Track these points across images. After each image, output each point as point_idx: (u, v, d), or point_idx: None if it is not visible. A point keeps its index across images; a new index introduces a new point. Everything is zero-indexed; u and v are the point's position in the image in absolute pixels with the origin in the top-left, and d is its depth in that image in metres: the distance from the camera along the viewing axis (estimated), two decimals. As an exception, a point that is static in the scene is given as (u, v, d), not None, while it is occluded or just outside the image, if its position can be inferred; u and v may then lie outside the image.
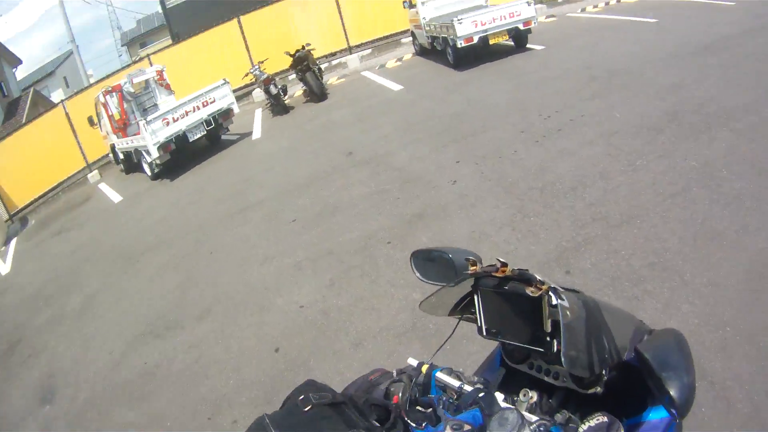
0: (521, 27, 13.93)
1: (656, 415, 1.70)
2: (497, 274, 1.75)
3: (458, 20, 13.13)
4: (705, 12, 16.37)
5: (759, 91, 9.11)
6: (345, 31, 20.43)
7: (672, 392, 1.60)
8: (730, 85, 9.56)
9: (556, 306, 1.62)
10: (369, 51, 20.18)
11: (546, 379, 1.86)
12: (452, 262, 2.07)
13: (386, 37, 20.69)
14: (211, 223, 9.65)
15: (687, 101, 9.08)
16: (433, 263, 2.19)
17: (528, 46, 14.64)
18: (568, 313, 1.59)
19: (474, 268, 1.82)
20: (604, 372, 1.71)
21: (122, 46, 56.59)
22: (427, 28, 15.40)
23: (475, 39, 13.40)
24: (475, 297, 1.86)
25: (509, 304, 1.78)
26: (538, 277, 1.67)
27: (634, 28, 15.14)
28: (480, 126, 9.65)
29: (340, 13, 20.24)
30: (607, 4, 19.92)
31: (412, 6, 16.28)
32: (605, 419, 1.59)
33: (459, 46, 13.34)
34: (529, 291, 1.63)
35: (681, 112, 8.67)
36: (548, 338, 1.68)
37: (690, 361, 1.75)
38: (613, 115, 9.06)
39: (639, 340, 1.83)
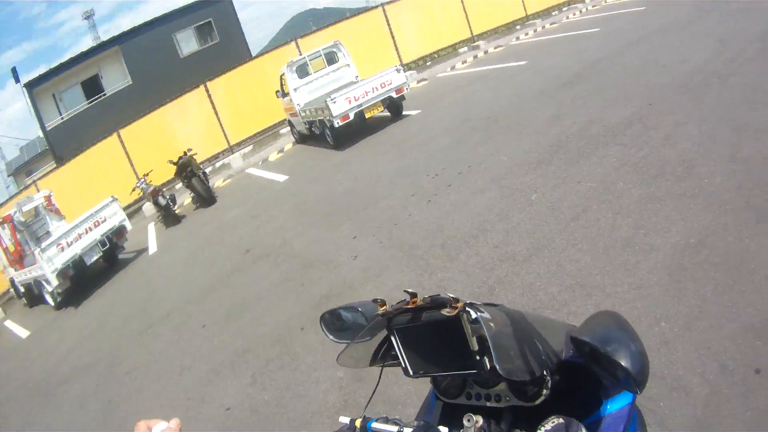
0: (394, 95, 14.01)
1: (614, 406, 1.69)
2: (409, 307, 1.59)
3: (332, 100, 13.02)
4: (572, 44, 17.10)
5: (636, 102, 9.31)
6: (224, 131, 20.47)
7: (624, 363, 1.49)
8: (608, 104, 9.79)
9: (477, 321, 1.49)
10: (250, 147, 19.99)
11: (488, 404, 1.76)
12: (362, 314, 1.98)
13: (264, 131, 20.78)
14: (122, 345, 8.95)
15: (568, 129, 9.20)
16: (343, 321, 2.09)
17: (404, 113, 14.77)
18: (491, 324, 1.48)
19: (383, 308, 1.69)
20: (546, 375, 1.62)
21: (8, 176, 54.90)
22: (303, 114, 15.25)
23: (351, 115, 13.29)
24: (393, 338, 1.69)
25: (429, 335, 1.62)
26: (451, 296, 1.51)
27: (504, 75, 15.66)
28: (370, 199, 9.43)
29: (216, 114, 20.29)
30: (475, 57, 20.72)
31: (285, 95, 16.15)
32: (561, 420, 1.50)
33: (336, 125, 13.18)
34: (445, 312, 1.48)
35: (565, 141, 8.75)
36: (477, 357, 1.52)
37: (631, 330, 1.66)
38: (500, 158, 9.04)
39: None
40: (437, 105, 14.81)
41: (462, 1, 23.98)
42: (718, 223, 5.49)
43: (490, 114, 11.83)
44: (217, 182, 17.67)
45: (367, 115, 13.81)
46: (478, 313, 1.50)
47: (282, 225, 10.22)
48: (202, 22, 34.87)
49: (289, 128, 18.07)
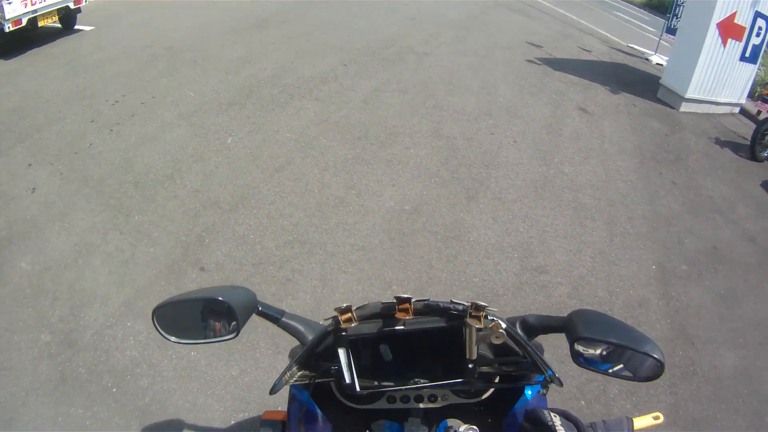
0: (72, 6, 12.47)
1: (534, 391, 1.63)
2: (401, 316, 1.40)
3: (8, 1, 11.29)
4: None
5: (331, 60, 9.70)
6: None
7: (656, 354, 1.40)
8: (301, 56, 10.02)
9: (481, 329, 1.38)
10: None
11: (420, 405, 1.61)
12: (230, 307, 1.50)
13: None
14: None
15: (260, 73, 9.28)
16: (188, 316, 1.60)
17: (76, 27, 13.23)
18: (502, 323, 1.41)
19: (347, 315, 1.42)
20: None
21: None
22: None
23: (24, 21, 11.49)
24: (341, 351, 1.45)
25: (398, 345, 1.49)
26: (461, 302, 1.40)
27: (186, 4, 14.99)
28: (43, 120, 8.28)
29: None
30: (151, -20, 19.41)
31: None
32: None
33: (7, 30, 11.41)
34: (472, 322, 1.36)
35: (257, 86, 8.83)
36: (470, 365, 1.44)
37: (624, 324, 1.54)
38: (187, 93, 8.76)
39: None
40: (113, 24, 13.50)
41: None
42: (431, 194, 6.11)
43: (173, 44, 11.30)
44: None
45: (40, 24, 12.29)
46: (498, 318, 1.42)
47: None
48: None
49: None
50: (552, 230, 6.11)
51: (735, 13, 11.07)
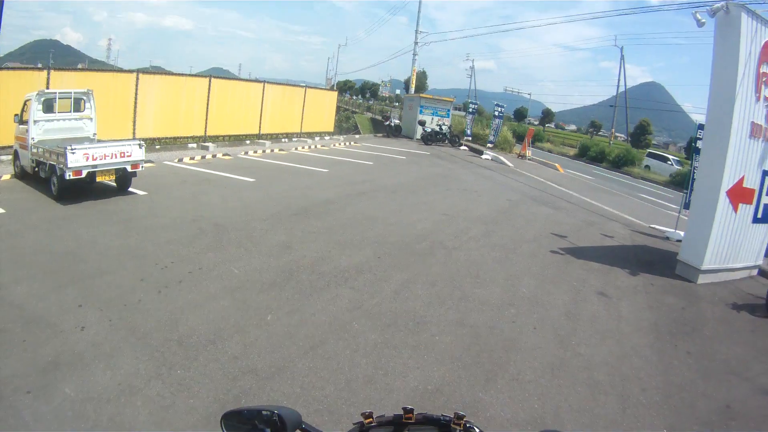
0: (129, 168, 13.84)
1: None
2: (407, 420, 1.90)
3: (71, 150, 12.44)
4: (298, 177, 18.42)
5: (367, 252, 10.49)
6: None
7: None
8: (338, 246, 10.88)
9: None
10: None
11: None
12: (282, 420, 1.93)
13: None
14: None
15: (300, 260, 10.10)
16: (248, 425, 2.00)
17: (130, 189, 14.57)
18: None
19: (369, 420, 1.90)
20: None
21: None
22: (34, 151, 14.00)
23: (84, 173, 12.73)
24: None
25: None
26: (445, 415, 1.88)
27: (233, 185, 16.33)
28: (96, 269, 9.07)
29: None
30: (203, 158, 20.98)
31: (23, 122, 14.64)
32: None
33: (67, 177, 12.49)
34: (455, 426, 1.85)
35: (296, 270, 9.59)
36: None
37: None
38: (232, 270, 9.51)
39: None
40: (165, 194, 14.86)
41: (208, 98, 24.49)
42: (453, 376, 6.62)
43: (219, 221, 12.35)
44: None
45: (98, 178, 13.38)
46: (475, 427, 1.88)
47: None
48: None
49: (12, 157, 16.13)
50: (566, 405, 6.41)
51: (743, 177, 11.50)
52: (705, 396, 7.01)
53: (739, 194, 11.54)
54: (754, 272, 12.73)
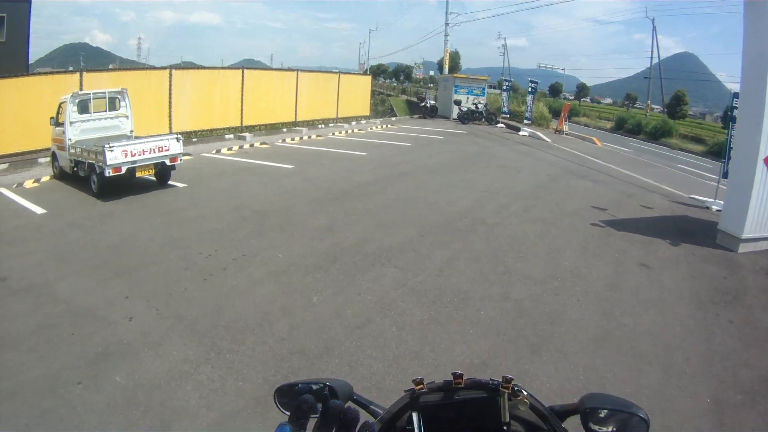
0: (168, 162, 13.95)
1: None
2: (457, 385, 1.83)
3: (110, 147, 12.61)
4: (337, 161, 18.39)
5: (409, 231, 10.40)
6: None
7: (642, 414, 1.85)
8: (380, 227, 10.79)
9: (512, 399, 1.80)
10: (5, 165, 17.41)
11: None
12: (334, 391, 2.00)
13: (24, 153, 18.43)
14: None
15: (343, 242, 10.07)
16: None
17: (170, 182, 14.71)
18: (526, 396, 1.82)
19: (420, 386, 1.85)
20: None
21: None
22: (72, 151, 14.25)
23: (123, 169, 12.87)
24: (414, 415, 1.84)
25: (456, 412, 1.87)
26: (491, 378, 1.84)
27: (273, 173, 16.32)
28: (140, 261, 9.17)
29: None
30: (241, 147, 21.06)
31: (59, 124, 14.91)
32: None
33: (107, 174, 12.67)
34: (503, 390, 1.79)
35: (340, 253, 9.53)
36: (504, 428, 1.82)
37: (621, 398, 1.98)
38: (275, 255, 9.51)
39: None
40: (205, 184, 15.00)
41: (242, 89, 24.57)
42: (498, 349, 6.50)
43: (261, 208, 12.40)
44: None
45: (138, 174, 13.47)
46: (523, 391, 1.82)
47: (41, 261, 9.24)
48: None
49: (50, 159, 16.45)
50: (610, 376, 6.27)
51: None
52: (747, 365, 6.78)
53: (777, 161, 11.31)
54: (795, 239, 12.41)
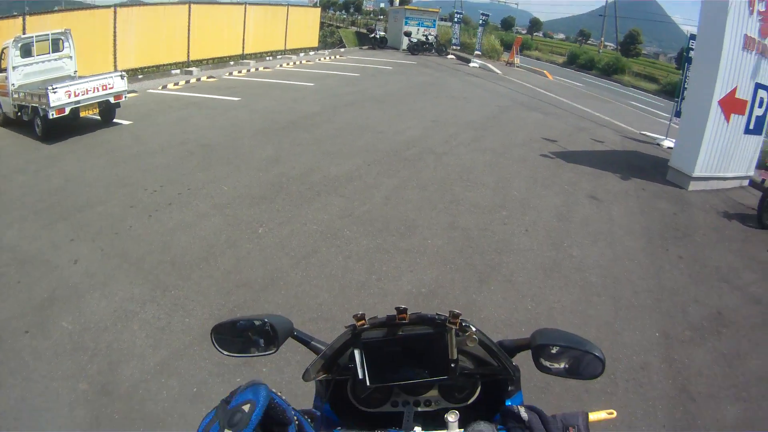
0: (112, 100, 13.51)
1: (514, 403, 1.88)
2: (401, 320, 1.78)
3: (52, 89, 12.06)
4: (285, 92, 18.09)
5: (356, 160, 10.35)
6: None
7: (595, 352, 1.75)
8: (325, 156, 10.70)
9: (460, 334, 1.76)
10: None
11: (418, 409, 1.95)
12: (274, 328, 1.94)
13: None
14: None
15: (289, 172, 9.94)
16: (241, 336, 2.01)
17: (115, 120, 14.25)
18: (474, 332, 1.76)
19: (361, 322, 1.81)
20: (478, 380, 1.94)
21: None
22: (15, 96, 13.63)
23: (67, 110, 12.39)
24: (356, 351, 1.81)
25: (400, 348, 1.82)
26: (440, 313, 1.76)
27: (219, 106, 15.98)
28: (85, 202, 8.94)
29: None
30: (187, 82, 20.55)
31: (1, 70, 14.12)
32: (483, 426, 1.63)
33: (50, 116, 12.19)
34: (450, 325, 1.73)
35: (286, 183, 9.45)
36: (452, 365, 1.78)
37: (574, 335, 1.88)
38: (221, 187, 9.39)
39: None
40: (150, 120, 14.57)
41: (189, 24, 23.88)
42: (446, 278, 6.57)
43: (207, 142, 12.16)
44: None
45: (82, 114, 13.06)
46: (471, 326, 1.75)
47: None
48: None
49: None
50: (559, 306, 6.39)
51: (735, 88, 11.33)
52: (696, 301, 6.94)
53: (731, 104, 11.36)
54: (745, 182, 12.60)
